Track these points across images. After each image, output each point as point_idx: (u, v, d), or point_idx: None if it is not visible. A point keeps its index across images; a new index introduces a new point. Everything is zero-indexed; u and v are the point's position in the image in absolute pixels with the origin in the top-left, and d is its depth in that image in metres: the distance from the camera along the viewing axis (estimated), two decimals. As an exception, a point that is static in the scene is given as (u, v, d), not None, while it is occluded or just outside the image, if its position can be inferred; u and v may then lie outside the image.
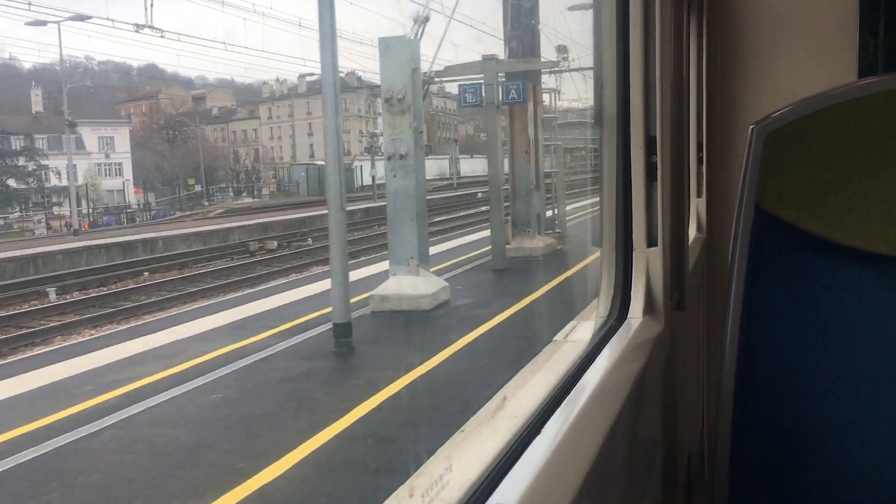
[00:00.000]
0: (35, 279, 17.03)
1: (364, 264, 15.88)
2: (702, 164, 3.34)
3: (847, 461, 1.58)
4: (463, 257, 15.65)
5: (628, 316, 1.67)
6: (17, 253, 19.71)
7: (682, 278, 1.95)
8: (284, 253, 21.45)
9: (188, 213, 44.54)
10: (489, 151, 15.45)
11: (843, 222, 1.56)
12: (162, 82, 77.81)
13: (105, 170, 60.93)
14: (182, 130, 69.01)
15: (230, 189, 63.10)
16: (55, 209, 47.77)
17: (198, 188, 60.15)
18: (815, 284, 1.60)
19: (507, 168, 16.40)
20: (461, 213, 30.42)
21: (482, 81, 14.43)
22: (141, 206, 51.56)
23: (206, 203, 52.58)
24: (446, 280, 11.89)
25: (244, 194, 60.85)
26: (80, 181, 49.33)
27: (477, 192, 37.23)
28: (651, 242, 1.72)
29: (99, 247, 21.29)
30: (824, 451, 1.60)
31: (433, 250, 15.00)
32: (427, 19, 13.04)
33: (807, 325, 1.60)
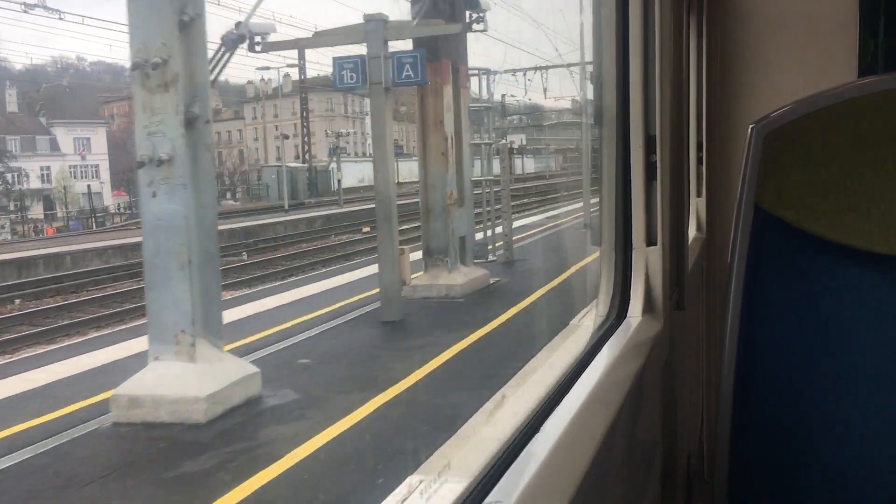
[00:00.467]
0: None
1: (297, 285, 13.58)
2: (701, 163, 3.34)
3: (846, 461, 1.58)
4: (348, 301, 11.24)
5: (627, 315, 1.67)
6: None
7: (681, 278, 1.95)
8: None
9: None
10: (376, 152, 11.52)
11: (842, 222, 1.55)
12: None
13: (81, 172, 58.48)
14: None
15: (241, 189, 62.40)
16: (28, 213, 46.44)
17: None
18: (814, 284, 1.60)
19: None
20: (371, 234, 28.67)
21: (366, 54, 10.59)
22: (117, 209, 49.71)
23: (236, 202, 52.19)
24: (285, 351, 8.35)
25: (227, 196, 59.12)
26: (53, 184, 47.82)
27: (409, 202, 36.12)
28: (650, 242, 1.71)
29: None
30: (824, 450, 1.60)
31: (315, 287, 12.50)
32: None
33: (806, 325, 1.59)
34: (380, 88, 10.67)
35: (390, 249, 10.53)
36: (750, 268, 1.61)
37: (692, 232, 3.01)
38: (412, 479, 0.88)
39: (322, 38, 12.85)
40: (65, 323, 12.56)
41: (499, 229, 15.59)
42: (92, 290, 16.05)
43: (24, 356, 9.98)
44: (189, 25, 6.82)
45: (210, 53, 8.18)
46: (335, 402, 6.71)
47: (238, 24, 10.38)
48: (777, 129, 1.59)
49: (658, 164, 1.69)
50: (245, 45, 10.41)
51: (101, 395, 6.72)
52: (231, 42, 10.18)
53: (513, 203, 16.85)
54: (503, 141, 19.39)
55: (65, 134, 58.32)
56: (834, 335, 1.58)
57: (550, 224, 21.02)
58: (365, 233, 22.95)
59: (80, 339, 10.97)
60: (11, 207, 48.14)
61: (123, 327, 11.35)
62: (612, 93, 1.69)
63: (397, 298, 10.41)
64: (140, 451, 5.93)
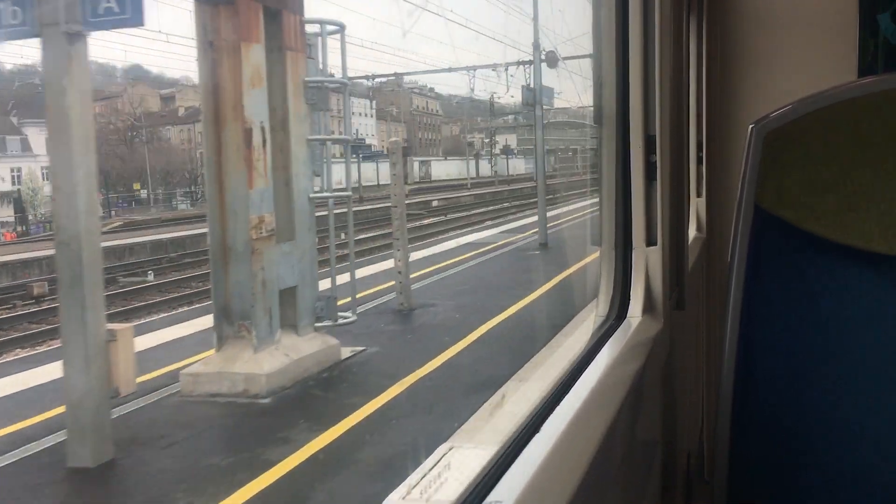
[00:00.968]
0: None
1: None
2: (701, 163, 3.34)
3: (846, 460, 1.58)
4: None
5: (627, 315, 1.67)
6: None
7: (681, 277, 1.95)
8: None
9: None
10: (52, 155, 6.21)
11: (842, 222, 1.56)
12: (128, 82, 74.09)
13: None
14: (142, 132, 65.67)
15: (180, 194, 57.30)
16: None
17: (143, 193, 54.90)
18: (814, 284, 1.60)
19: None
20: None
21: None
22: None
23: (153, 209, 47.53)
24: None
25: (192, 200, 55.86)
26: (22, 185, 45.71)
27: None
28: (650, 242, 1.71)
29: None
30: (823, 450, 1.60)
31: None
32: None
33: (806, 324, 1.60)
34: (57, 33, 5.67)
35: (84, 331, 5.57)
36: (750, 267, 1.62)
37: (692, 232, 3.01)
38: (412, 479, 0.88)
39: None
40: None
41: (383, 268, 11.64)
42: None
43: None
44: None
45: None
46: None
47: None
48: (777, 128, 1.59)
49: (658, 164, 1.69)
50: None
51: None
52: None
53: (478, 211, 16.89)
54: (395, 139, 18.61)
55: (37, 134, 54.97)
56: (834, 335, 1.58)
57: (504, 241, 17.01)
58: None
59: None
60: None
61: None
62: (611, 92, 1.69)
63: (97, 427, 5.44)
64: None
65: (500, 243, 16.65)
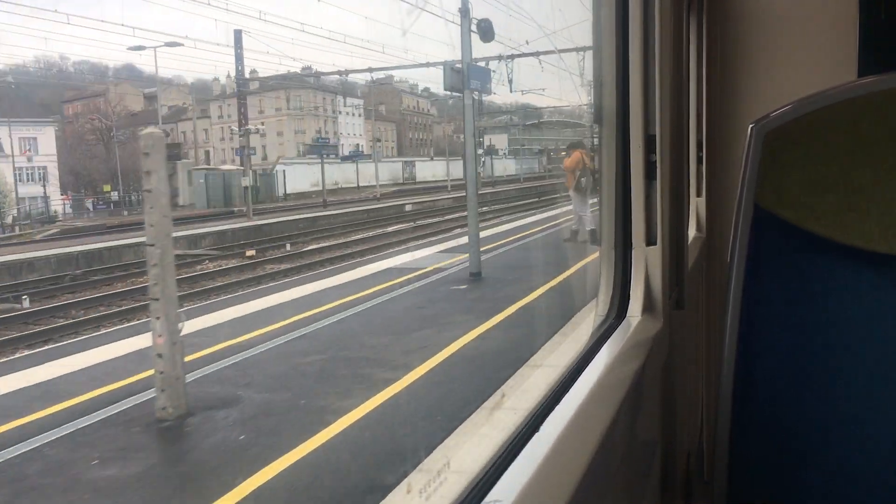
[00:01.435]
0: None
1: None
2: (701, 163, 3.34)
3: (846, 461, 1.58)
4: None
5: (627, 314, 1.67)
6: None
7: (681, 277, 1.95)
8: None
9: (13, 233, 31.08)
10: None
11: (842, 221, 1.56)
12: (111, 80, 71.60)
13: (27, 174, 52.58)
14: (121, 132, 62.37)
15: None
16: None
17: (115, 196, 50.91)
18: (814, 283, 1.60)
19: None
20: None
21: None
22: (68, 213, 44.12)
23: (125, 213, 42.77)
24: None
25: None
26: None
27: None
28: (650, 241, 1.72)
29: None
30: (823, 450, 1.60)
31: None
32: None
33: (806, 324, 1.60)
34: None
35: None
36: (750, 267, 1.62)
37: (692, 231, 3.01)
38: (412, 478, 0.88)
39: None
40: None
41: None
42: None
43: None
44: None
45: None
46: None
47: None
48: (777, 128, 1.59)
49: (658, 164, 1.69)
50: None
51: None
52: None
53: (452, 216, 16.48)
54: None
55: (8, 134, 52.40)
56: (833, 335, 1.58)
57: (436, 266, 12.99)
58: (248, 257, 18.40)
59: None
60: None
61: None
62: (611, 92, 1.69)
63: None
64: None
65: (427, 269, 12.38)
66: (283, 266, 17.02)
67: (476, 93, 12.84)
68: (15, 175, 48.75)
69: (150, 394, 5.86)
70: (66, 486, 4.58)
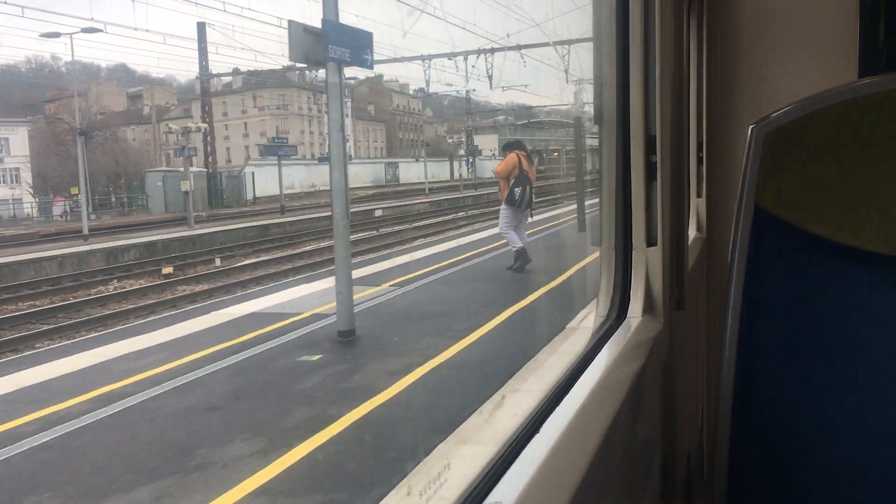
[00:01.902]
0: None
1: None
2: (702, 163, 3.34)
3: (846, 461, 1.58)
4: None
5: (627, 315, 1.67)
6: None
7: (681, 278, 1.95)
8: None
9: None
10: None
11: (842, 222, 1.55)
12: (93, 79, 69.66)
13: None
14: (98, 132, 59.64)
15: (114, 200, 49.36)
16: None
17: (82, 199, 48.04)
18: (814, 284, 1.60)
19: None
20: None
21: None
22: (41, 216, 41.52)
23: (93, 217, 38.84)
24: None
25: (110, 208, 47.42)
26: None
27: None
28: (650, 242, 1.71)
29: None
30: (823, 451, 1.60)
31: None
32: None
33: (806, 325, 1.59)
34: None
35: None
36: (750, 268, 1.62)
37: (692, 232, 3.01)
38: (412, 479, 0.88)
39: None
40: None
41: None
42: None
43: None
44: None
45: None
46: None
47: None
48: (777, 129, 1.59)
49: (658, 165, 1.69)
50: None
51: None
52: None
53: (423, 223, 15.83)
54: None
55: None
56: (834, 335, 1.58)
57: (322, 309, 9.30)
58: (164, 275, 16.56)
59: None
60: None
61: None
62: (612, 93, 1.69)
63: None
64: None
65: (301, 315, 9.12)
66: (199, 287, 14.67)
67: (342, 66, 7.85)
68: (-3, 175, 46.32)
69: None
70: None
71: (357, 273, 11.42)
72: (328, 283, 10.61)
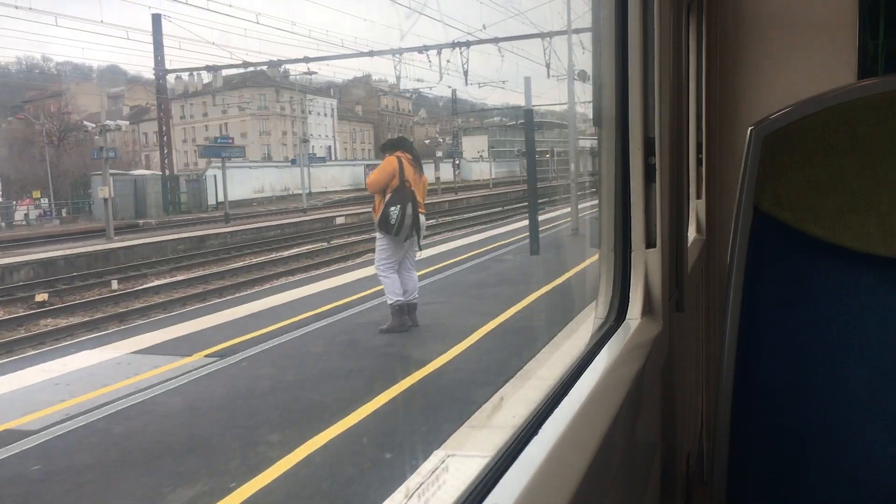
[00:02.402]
0: None
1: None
2: (701, 165, 3.34)
3: (846, 463, 1.58)
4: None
5: (627, 317, 1.67)
6: None
7: (681, 280, 1.95)
8: None
9: None
10: None
11: (841, 224, 1.56)
12: (72, 79, 67.28)
13: None
14: (73, 133, 57.63)
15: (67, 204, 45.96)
16: None
17: (45, 202, 44.04)
18: (813, 286, 1.60)
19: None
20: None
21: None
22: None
23: (57, 222, 36.99)
24: None
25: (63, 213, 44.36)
26: None
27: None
28: (650, 244, 1.72)
29: None
30: (823, 453, 1.60)
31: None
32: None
33: (805, 327, 1.60)
34: None
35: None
36: (749, 269, 1.62)
37: (692, 234, 3.01)
38: (410, 482, 0.88)
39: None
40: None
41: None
42: None
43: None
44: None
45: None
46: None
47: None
48: (776, 131, 1.59)
49: (657, 166, 1.69)
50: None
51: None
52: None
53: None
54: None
55: None
56: (833, 337, 1.58)
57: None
58: (38, 303, 13.15)
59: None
60: None
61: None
62: (610, 95, 1.69)
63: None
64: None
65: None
66: (69, 321, 11.52)
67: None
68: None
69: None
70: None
71: (302, 292, 10.56)
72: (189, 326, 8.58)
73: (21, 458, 4.78)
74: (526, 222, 14.97)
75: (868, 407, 1.57)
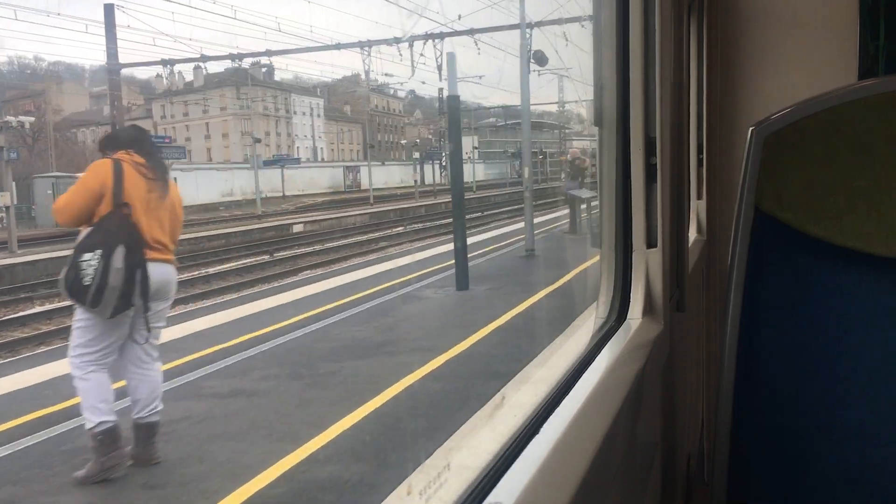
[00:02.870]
0: None
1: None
2: (702, 165, 3.34)
3: (846, 463, 1.58)
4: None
5: (627, 317, 1.67)
6: None
7: (681, 280, 1.95)
8: None
9: None
10: None
11: (842, 224, 1.56)
12: (55, 78, 64.83)
13: None
14: (45, 135, 54.96)
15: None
16: None
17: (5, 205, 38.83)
18: (814, 286, 1.60)
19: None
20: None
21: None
22: None
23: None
24: None
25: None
26: None
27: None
28: (651, 244, 1.72)
29: None
30: (823, 452, 1.60)
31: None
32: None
33: (806, 327, 1.60)
34: None
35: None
36: (750, 270, 1.62)
37: (692, 234, 3.02)
38: (411, 479, 0.88)
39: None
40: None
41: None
42: None
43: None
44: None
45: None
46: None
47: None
48: (777, 131, 1.59)
49: (658, 167, 1.69)
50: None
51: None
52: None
53: (348, 241, 12.90)
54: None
55: None
56: (833, 337, 1.59)
57: None
58: None
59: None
60: None
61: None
62: (611, 95, 1.69)
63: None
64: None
65: None
66: None
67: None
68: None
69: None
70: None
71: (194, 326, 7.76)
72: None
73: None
74: (498, 231, 13.17)
75: (868, 406, 1.57)
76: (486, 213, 29.47)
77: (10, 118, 26.30)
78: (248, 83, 65.03)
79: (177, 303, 9.37)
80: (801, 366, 1.60)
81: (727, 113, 3.15)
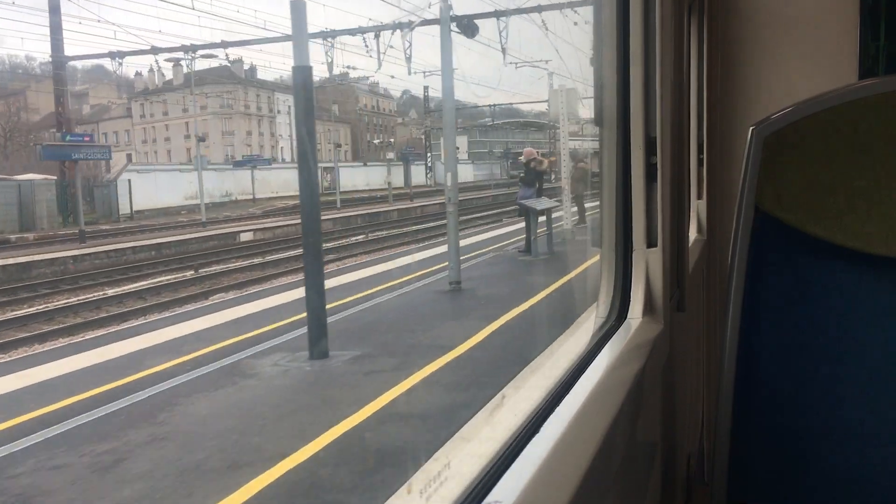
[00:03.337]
0: None
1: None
2: (702, 165, 3.34)
3: (846, 463, 1.59)
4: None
5: (628, 317, 1.67)
6: None
7: (681, 279, 1.95)
8: None
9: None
10: None
11: (842, 224, 1.56)
12: (32, 78, 60.90)
13: None
14: (22, 136, 54.29)
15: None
16: None
17: None
18: (814, 286, 1.60)
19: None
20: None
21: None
22: None
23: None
24: None
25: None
26: None
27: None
28: (651, 243, 1.72)
29: None
30: (824, 452, 1.60)
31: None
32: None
33: (806, 327, 1.60)
34: None
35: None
36: (750, 269, 1.62)
37: (693, 234, 3.02)
38: (412, 478, 0.88)
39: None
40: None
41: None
42: None
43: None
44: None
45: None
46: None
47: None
48: (777, 131, 1.59)
49: (658, 166, 1.69)
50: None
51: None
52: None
53: (293, 253, 11.06)
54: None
55: None
56: (833, 337, 1.59)
57: None
58: None
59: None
60: None
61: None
62: (612, 95, 1.69)
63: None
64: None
65: None
66: None
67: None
68: None
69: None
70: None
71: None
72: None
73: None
74: (463, 242, 10.40)
75: (869, 406, 1.57)
76: (464, 217, 24.31)
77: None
78: (224, 81, 63.83)
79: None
80: (801, 366, 1.60)
81: (727, 113, 3.15)
